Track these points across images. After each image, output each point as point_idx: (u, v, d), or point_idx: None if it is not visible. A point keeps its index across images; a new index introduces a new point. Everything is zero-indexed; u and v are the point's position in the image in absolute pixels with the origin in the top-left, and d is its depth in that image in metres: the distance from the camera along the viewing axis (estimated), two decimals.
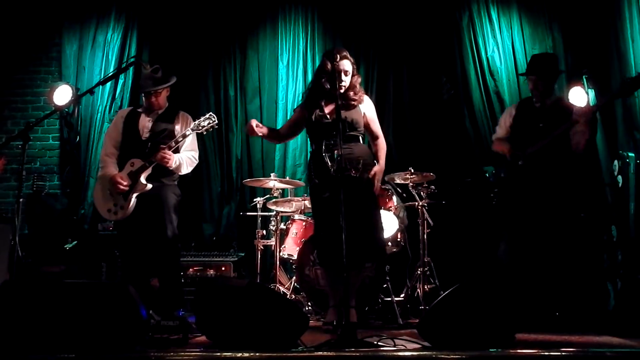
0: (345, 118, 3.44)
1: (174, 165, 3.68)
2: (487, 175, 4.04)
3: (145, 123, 3.77)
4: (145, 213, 3.64)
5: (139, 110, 3.85)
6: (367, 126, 3.60)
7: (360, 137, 3.59)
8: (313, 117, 3.52)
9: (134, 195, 3.62)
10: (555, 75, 3.88)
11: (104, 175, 3.73)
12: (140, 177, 3.62)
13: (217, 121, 3.72)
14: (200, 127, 3.68)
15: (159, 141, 3.69)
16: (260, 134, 3.56)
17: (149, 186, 3.63)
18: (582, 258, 4.08)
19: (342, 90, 3.46)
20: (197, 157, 3.87)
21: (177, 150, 3.74)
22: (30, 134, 3.44)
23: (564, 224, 3.69)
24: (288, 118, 5.54)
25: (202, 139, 4.83)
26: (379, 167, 3.49)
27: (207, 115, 3.70)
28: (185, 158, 3.77)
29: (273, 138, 3.87)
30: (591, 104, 4.29)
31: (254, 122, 3.53)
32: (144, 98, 3.83)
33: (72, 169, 5.48)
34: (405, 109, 5.59)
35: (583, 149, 3.59)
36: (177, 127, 3.80)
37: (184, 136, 3.68)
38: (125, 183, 3.61)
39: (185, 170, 3.81)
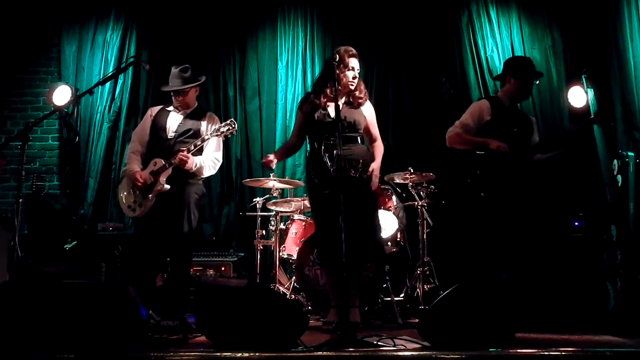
0: (347, 118, 3.46)
1: (194, 168, 3.68)
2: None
3: (173, 122, 3.79)
4: (166, 210, 3.65)
5: (169, 109, 3.86)
6: (366, 129, 3.61)
7: (359, 138, 3.60)
8: (316, 116, 3.52)
9: (153, 194, 3.63)
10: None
11: (125, 172, 3.77)
12: (160, 177, 3.63)
13: (236, 127, 3.72)
14: (220, 132, 3.67)
15: (183, 141, 3.70)
16: (275, 162, 3.68)
17: (167, 187, 3.63)
18: (581, 257, 4.08)
19: (352, 87, 3.51)
20: (220, 158, 3.88)
21: (200, 152, 3.74)
22: (29, 134, 3.46)
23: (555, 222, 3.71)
24: (287, 118, 5.56)
25: None
26: (375, 164, 3.51)
27: (228, 122, 3.69)
28: (207, 161, 3.77)
29: (289, 153, 4.08)
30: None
31: (269, 159, 3.64)
32: (172, 97, 3.85)
33: (72, 169, 5.48)
34: (405, 109, 5.59)
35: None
36: (203, 128, 3.81)
37: (203, 140, 3.68)
38: (142, 180, 3.62)
39: (208, 172, 3.82)
